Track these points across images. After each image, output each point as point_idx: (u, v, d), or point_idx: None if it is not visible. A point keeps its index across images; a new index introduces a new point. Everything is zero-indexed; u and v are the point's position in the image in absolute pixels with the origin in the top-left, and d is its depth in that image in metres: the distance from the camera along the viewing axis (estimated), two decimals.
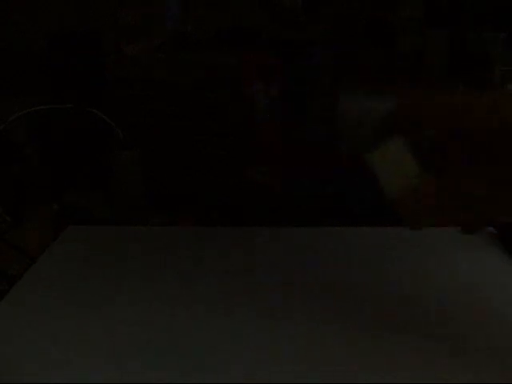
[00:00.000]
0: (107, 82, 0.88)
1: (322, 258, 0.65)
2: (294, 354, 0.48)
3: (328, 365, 0.46)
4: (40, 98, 0.84)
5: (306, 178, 0.80)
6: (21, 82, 0.96)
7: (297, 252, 0.66)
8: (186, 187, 0.86)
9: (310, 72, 0.76)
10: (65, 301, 0.56)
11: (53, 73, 0.97)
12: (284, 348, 0.49)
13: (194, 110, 0.83)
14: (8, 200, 0.80)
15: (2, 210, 0.78)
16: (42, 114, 0.81)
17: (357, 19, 0.87)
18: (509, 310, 0.54)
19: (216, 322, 0.52)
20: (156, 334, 0.51)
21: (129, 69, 0.86)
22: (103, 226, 0.76)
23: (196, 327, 0.52)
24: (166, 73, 0.84)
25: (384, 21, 0.86)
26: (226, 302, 0.56)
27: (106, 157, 0.78)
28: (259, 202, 0.80)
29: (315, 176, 0.79)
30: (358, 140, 0.48)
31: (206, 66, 0.81)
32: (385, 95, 0.49)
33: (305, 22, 0.86)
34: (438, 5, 0.85)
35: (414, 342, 0.49)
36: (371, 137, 0.47)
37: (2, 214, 0.78)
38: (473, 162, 0.43)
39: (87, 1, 1.02)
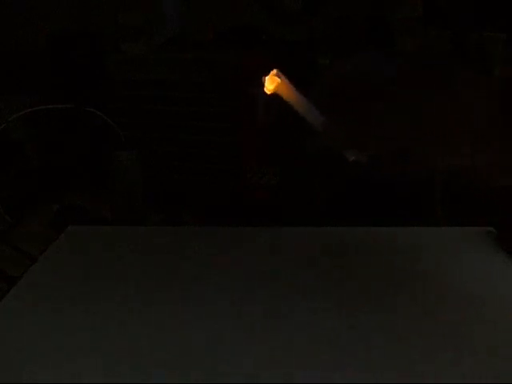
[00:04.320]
0: (107, 82, 0.88)
1: (322, 258, 0.65)
2: (295, 354, 0.48)
3: (329, 365, 0.47)
4: (40, 97, 0.84)
5: (306, 177, 0.80)
6: (21, 82, 0.97)
7: (297, 252, 0.66)
8: (186, 187, 0.86)
9: (310, 72, 0.76)
10: (65, 301, 0.56)
11: (53, 73, 0.97)
12: (285, 348, 0.49)
13: (194, 110, 0.83)
14: (8, 200, 0.80)
15: (2, 210, 0.78)
16: (41, 114, 0.81)
17: (357, 19, 0.87)
18: (509, 310, 0.54)
19: (216, 322, 0.52)
20: (156, 334, 0.51)
21: (129, 69, 0.86)
22: (103, 225, 0.76)
23: (196, 327, 0.52)
24: (166, 73, 0.84)
25: (384, 21, 0.86)
26: (226, 302, 0.56)
27: (106, 157, 0.78)
28: (259, 203, 0.80)
29: (315, 176, 0.79)
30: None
31: (206, 65, 0.81)
32: None
33: (305, 21, 0.86)
34: (437, 5, 0.85)
35: (413, 342, 0.49)
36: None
37: (2, 213, 0.78)
38: None
39: (87, 1, 1.03)
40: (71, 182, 0.88)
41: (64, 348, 0.49)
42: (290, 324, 0.52)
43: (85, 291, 0.58)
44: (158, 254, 0.66)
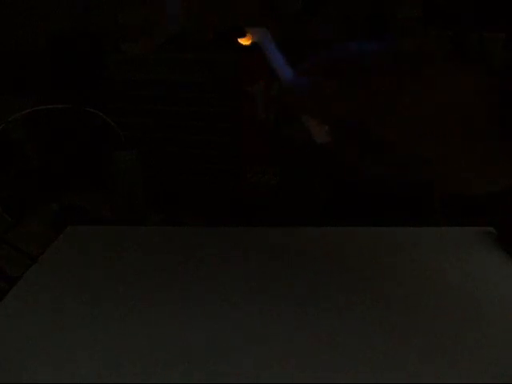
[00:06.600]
0: (107, 82, 0.88)
1: (321, 258, 0.65)
2: (295, 354, 0.48)
3: (329, 365, 0.47)
4: (40, 97, 0.84)
5: (306, 177, 0.80)
6: (21, 82, 0.97)
7: (297, 252, 0.66)
8: (186, 187, 0.86)
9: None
10: (65, 301, 0.56)
11: (53, 73, 0.97)
12: (285, 348, 0.49)
13: (194, 110, 0.83)
14: (8, 200, 0.80)
15: (1, 210, 0.78)
16: (41, 114, 0.81)
17: (357, 19, 0.87)
18: (509, 310, 0.54)
19: (216, 322, 0.52)
20: (156, 335, 0.51)
21: (129, 69, 0.86)
22: (103, 225, 0.76)
23: (196, 327, 0.52)
24: (166, 73, 0.84)
25: (384, 20, 0.86)
26: (226, 302, 0.56)
27: (106, 157, 0.78)
28: (259, 202, 0.80)
29: (315, 176, 0.79)
30: None
31: (206, 65, 0.81)
32: None
33: (305, 21, 0.86)
34: (437, 5, 0.85)
35: (413, 342, 0.49)
36: None
37: (2, 213, 0.78)
38: None
39: (88, 1, 1.02)
40: (71, 182, 0.88)
41: (64, 348, 0.49)
42: (290, 324, 0.52)
43: (85, 291, 0.58)
44: (158, 253, 0.67)
